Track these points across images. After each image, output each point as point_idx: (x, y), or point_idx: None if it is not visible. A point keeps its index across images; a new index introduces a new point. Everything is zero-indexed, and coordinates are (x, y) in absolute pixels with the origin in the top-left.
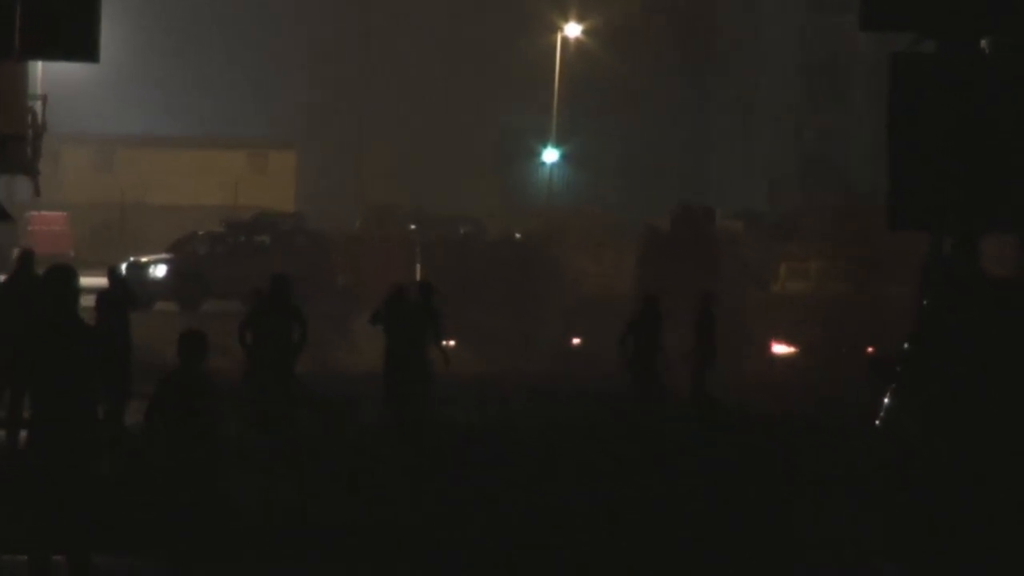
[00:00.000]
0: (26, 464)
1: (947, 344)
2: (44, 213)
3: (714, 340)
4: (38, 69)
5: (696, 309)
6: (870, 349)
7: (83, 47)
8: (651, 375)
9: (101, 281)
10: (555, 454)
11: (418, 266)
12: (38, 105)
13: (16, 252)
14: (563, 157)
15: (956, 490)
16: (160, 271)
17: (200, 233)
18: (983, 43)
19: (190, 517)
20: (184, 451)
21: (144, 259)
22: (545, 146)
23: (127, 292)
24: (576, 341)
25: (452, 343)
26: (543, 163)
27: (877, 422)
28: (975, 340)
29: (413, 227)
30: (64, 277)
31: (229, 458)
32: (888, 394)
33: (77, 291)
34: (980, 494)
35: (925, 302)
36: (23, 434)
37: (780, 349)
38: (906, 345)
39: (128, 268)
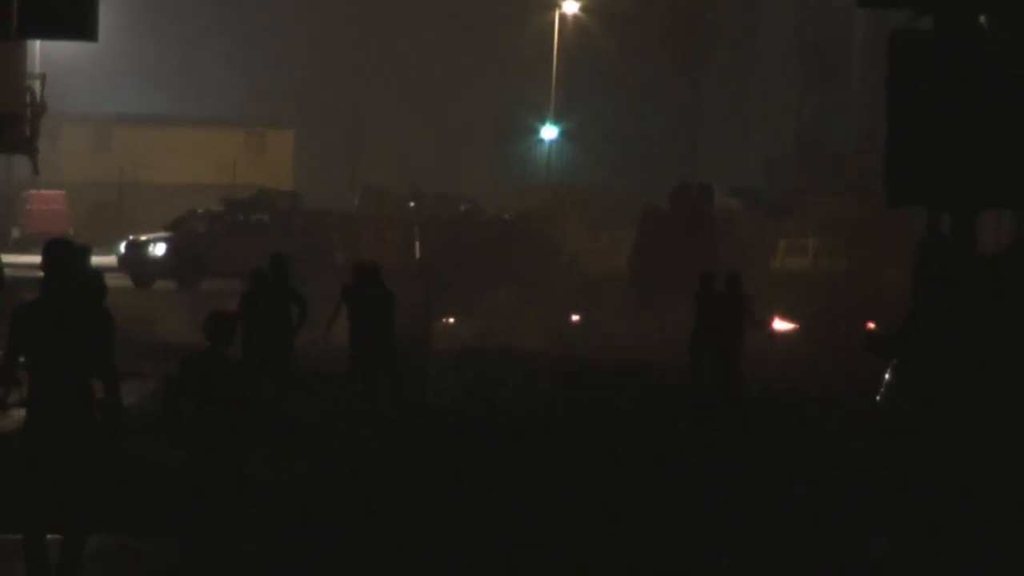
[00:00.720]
0: (22, 442)
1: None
2: (42, 192)
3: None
4: (36, 48)
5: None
6: (870, 325)
7: (82, 26)
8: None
9: (100, 260)
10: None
11: (417, 244)
12: (37, 84)
13: None
14: (562, 134)
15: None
16: (159, 250)
17: (199, 211)
18: (981, 18)
19: (207, 501)
20: (207, 435)
21: (143, 238)
22: (543, 123)
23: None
24: (575, 319)
25: (452, 320)
26: (541, 140)
27: (877, 398)
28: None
29: (412, 205)
30: (63, 250)
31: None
32: (888, 371)
33: (75, 265)
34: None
35: (922, 283)
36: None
37: (780, 326)
38: (902, 324)
39: (127, 247)
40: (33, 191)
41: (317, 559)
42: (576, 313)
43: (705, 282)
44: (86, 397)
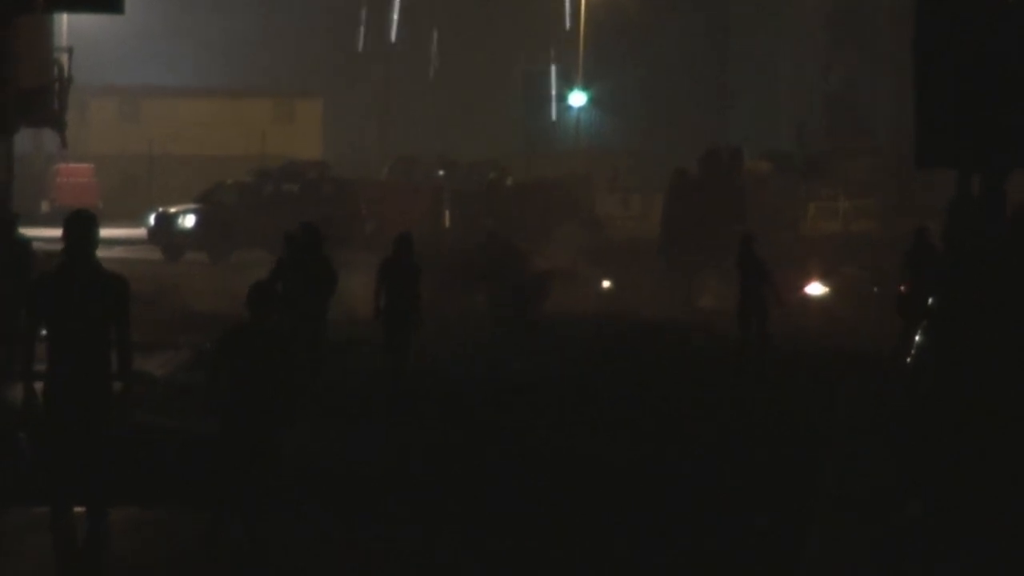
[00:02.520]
0: (43, 415)
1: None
2: (71, 165)
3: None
4: (63, 22)
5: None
6: (902, 287)
7: None
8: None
9: (129, 232)
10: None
11: (447, 213)
12: (64, 57)
13: None
14: (591, 100)
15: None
16: (189, 221)
17: (228, 183)
18: None
19: (240, 472)
20: (245, 408)
21: (172, 210)
22: (572, 90)
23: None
24: (606, 284)
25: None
26: (570, 107)
27: (908, 359)
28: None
29: (441, 173)
30: (83, 222)
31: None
32: (919, 332)
33: (95, 237)
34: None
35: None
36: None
37: (813, 289)
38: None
39: (156, 219)
40: (61, 164)
41: (341, 524)
42: (607, 280)
43: (745, 245)
44: (103, 368)
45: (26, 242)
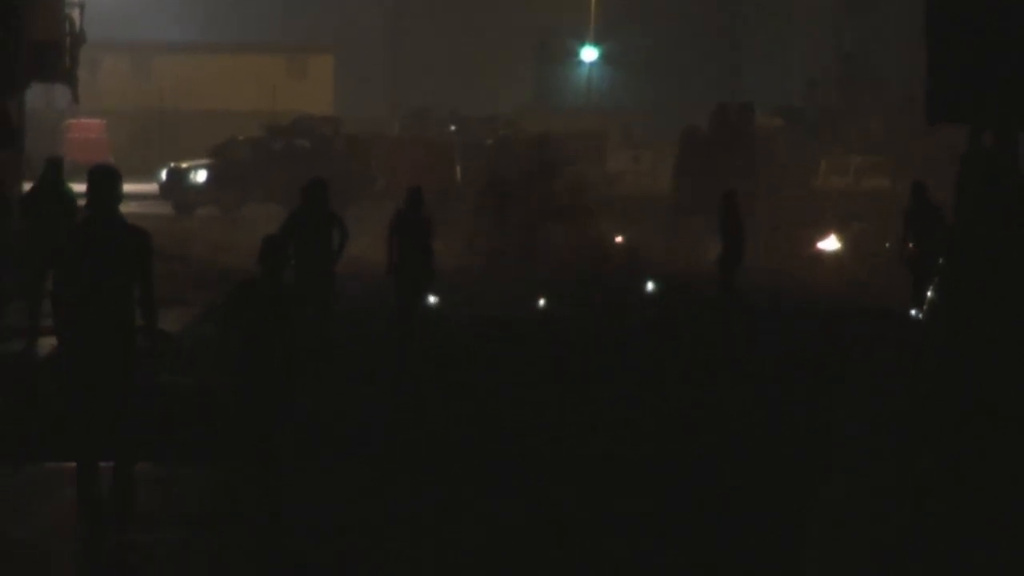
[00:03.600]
0: (65, 369)
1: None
2: (82, 120)
3: (738, 239)
4: None
5: (719, 209)
6: (911, 245)
7: None
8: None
9: (141, 187)
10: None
11: (458, 168)
12: (75, 13)
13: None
14: (602, 56)
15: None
16: (201, 176)
17: (240, 138)
18: None
19: (255, 427)
20: (261, 363)
21: (184, 165)
22: (583, 45)
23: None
24: (618, 239)
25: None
26: (581, 62)
27: (920, 315)
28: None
29: (452, 128)
30: (108, 177)
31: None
32: (931, 288)
33: (119, 192)
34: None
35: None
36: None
37: (825, 245)
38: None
39: (168, 174)
40: (73, 120)
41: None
42: (619, 235)
43: (727, 200)
44: (128, 321)
45: (73, 197)
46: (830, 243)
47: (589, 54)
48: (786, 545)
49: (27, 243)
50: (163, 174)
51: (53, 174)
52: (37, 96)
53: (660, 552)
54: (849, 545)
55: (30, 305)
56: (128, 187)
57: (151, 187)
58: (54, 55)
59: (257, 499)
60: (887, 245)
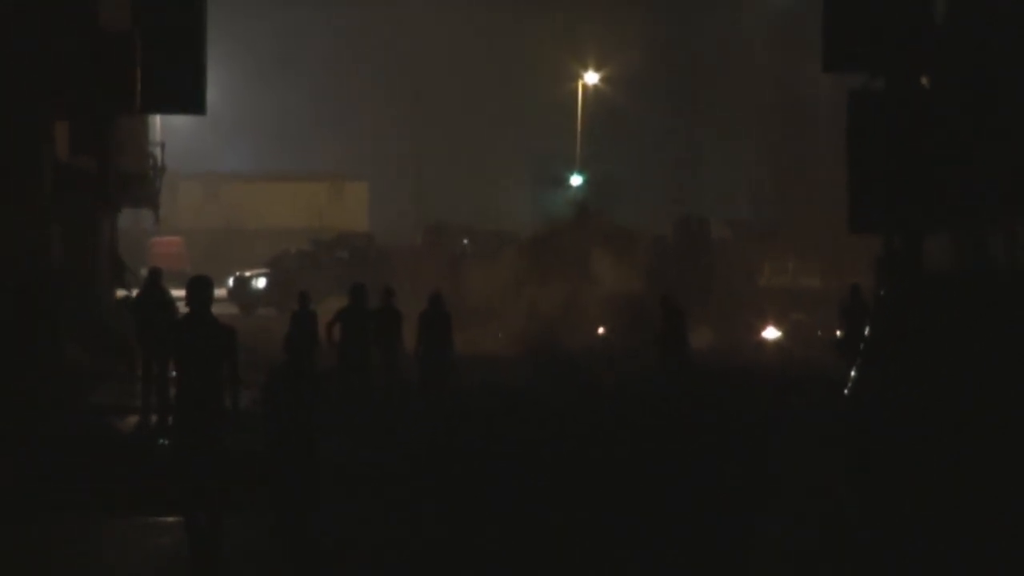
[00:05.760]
0: (173, 440)
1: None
2: (164, 238)
3: (678, 338)
4: (157, 120)
5: (661, 310)
6: (838, 332)
7: (193, 102)
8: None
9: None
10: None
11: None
12: (158, 150)
13: (146, 270)
14: (586, 181)
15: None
16: (260, 282)
17: (292, 251)
18: (924, 80)
19: (293, 479)
20: (292, 426)
21: (247, 273)
22: (571, 173)
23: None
24: (601, 331)
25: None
26: (571, 186)
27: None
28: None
29: (465, 241)
30: (203, 284)
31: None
32: (855, 368)
33: (211, 296)
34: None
35: (881, 291)
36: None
37: (768, 334)
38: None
39: (234, 281)
40: (156, 238)
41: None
42: (602, 327)
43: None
44: (218, 397)
45: (171, 300)
46: (772, 332)
47: (576, 180)
48: None
49: (136, 337)
50: (230, 281)
51: (154, 282)
52: (126, 218)
53: None
54: None
55: (158, 389)
56: None
57: (221, 292)
58: (141, 185)
59: (298, 538)
60: (818, 333)
